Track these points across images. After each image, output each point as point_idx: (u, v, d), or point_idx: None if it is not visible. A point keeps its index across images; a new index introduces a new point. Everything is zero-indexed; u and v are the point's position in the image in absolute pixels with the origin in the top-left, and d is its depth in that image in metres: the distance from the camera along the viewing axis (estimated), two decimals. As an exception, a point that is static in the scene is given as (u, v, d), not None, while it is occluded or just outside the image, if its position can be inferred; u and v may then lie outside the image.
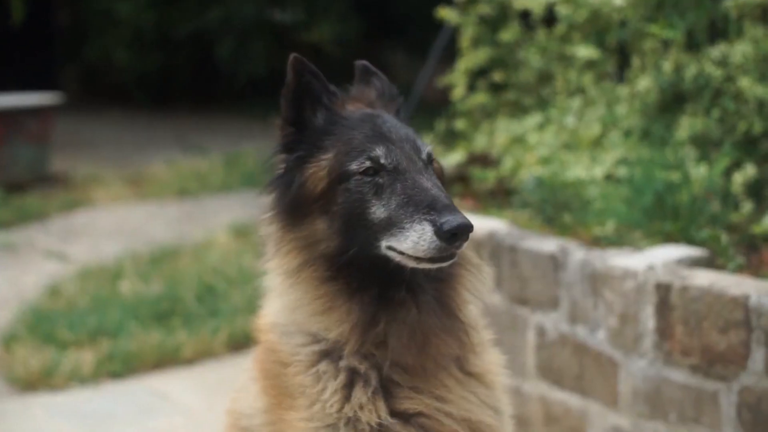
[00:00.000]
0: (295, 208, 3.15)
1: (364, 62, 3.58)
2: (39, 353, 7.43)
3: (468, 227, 2.93)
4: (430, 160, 3.23)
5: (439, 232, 2.92)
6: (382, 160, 3.10)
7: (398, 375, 3.17)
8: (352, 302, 3.11)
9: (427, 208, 2.97)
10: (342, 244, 3.09)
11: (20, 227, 11.99)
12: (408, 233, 2.97)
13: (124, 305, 8.42)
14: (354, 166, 3.10)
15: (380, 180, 3.08)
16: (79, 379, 7.16)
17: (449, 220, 2.91)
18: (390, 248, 3.04)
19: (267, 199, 3.28)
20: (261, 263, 3.34)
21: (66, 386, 7.08)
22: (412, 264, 3.03)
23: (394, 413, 3.14)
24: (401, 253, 3.01)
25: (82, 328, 7.87)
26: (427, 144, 3.26)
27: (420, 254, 2.97)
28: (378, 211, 3.05)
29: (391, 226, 3.02)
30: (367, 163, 3.09)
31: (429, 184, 3.06)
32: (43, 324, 8.00)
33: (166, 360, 7.51)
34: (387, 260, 3.07)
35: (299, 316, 3.20)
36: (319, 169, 3.14)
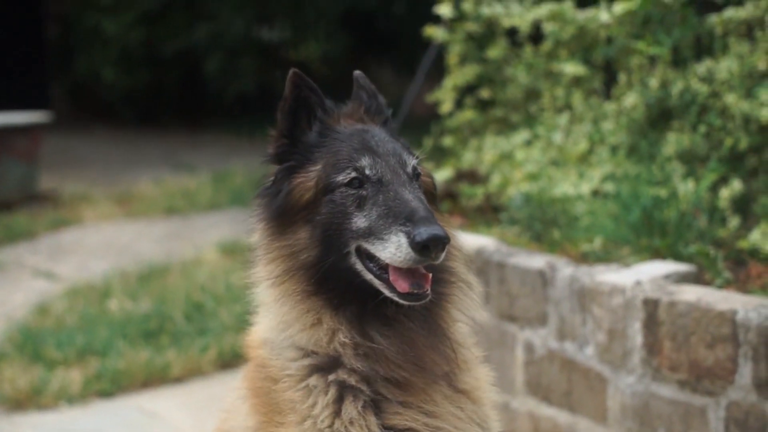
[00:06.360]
0: (281, 217, 3.23)
1: (359, 73, 3.61)
2: (27, 372, 7.41)
3: (441, 238, 2.96)
4: (415, 173, 3.27)
5: (412, 243, 2.96)
6: (367, 171, 3.17)
7: (388, 390, 3.19)
8: (339, 316, 3.16)
9: (404, 219, 3.03)
10: (320, 254, 3.16)
11: (8, 246, 11.98)
12: (386, 243, 3.03)
13: (112, 323, 8.40)
14: (340, 178, 3.18)
15: (363, 192, 3.15)
16: (67, 398, 7.14)
17: (421, 232, 2.95)
18: (361, 253, 3.11)
19: (256, 208, 3.36)
20: (249, 273, 3.39)
21: (54, 405, 7.06)
22: (387, 293, 3.10)
23: (384, 428, 3.16)
24: (378, 261, 3.09)
25: (70, 346, 7.85)
26: (414, 157, 3.31)
27: (397, 263, 3.02)
28: (359, 221, 3.12)
29: (369, 235, 3.08)
30: (353, 174, 3.17)
31: (410, 196, 3.11)
32: (31, 343, 7.97)
33: (154, 378, 7.50)
34: (357, 274, 3.14)
35: (291, 331, 3.22)
36: (307, 179, 3.22)
